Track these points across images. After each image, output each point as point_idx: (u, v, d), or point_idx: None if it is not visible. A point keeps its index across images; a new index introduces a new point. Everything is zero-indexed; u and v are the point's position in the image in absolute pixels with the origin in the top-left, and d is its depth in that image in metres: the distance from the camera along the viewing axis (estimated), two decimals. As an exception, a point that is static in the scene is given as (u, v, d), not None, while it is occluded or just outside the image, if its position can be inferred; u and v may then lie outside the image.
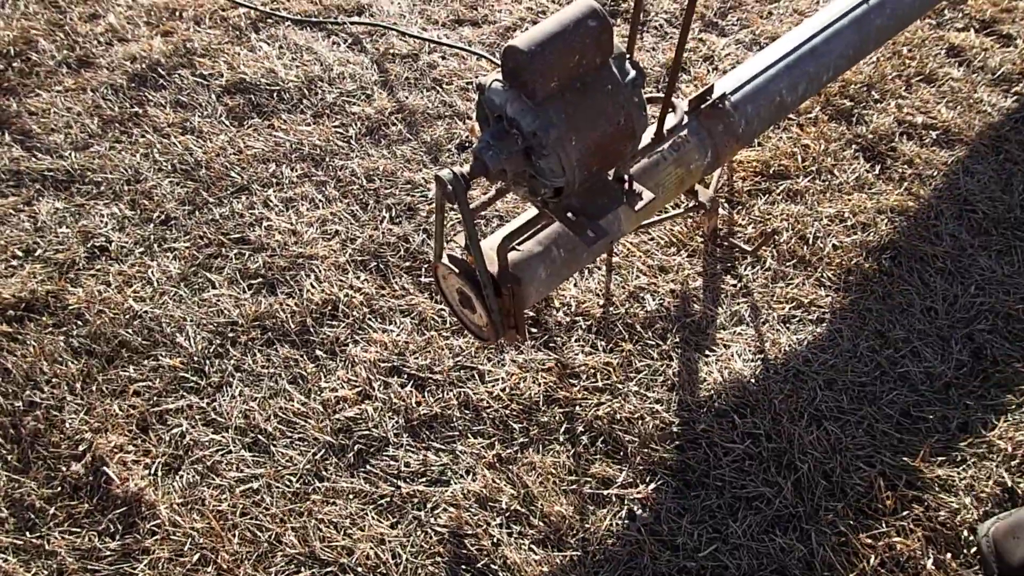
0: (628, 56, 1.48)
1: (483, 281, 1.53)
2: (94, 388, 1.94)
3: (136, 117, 2.46)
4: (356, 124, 2.41)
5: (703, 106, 1.82)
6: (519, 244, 1.64)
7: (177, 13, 2.75)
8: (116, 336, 2.02)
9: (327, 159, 2.34)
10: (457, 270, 1.59)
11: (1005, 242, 2.13)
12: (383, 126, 2.40)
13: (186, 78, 2.54)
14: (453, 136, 2.38)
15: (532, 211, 1.64)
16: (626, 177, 1.57)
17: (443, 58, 2.57)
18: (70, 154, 2.37)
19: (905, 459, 1.81)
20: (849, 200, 2.21)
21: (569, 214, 1.54)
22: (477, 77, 2.52)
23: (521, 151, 1.40)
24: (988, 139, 2.31)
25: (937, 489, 1.78)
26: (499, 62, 2.44)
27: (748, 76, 1.91)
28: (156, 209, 2.25)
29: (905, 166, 2.27)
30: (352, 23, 2.67)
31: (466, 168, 1.41)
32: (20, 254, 2.17)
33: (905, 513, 1.74)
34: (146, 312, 2.06)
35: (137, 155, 2.37)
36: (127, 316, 2.05)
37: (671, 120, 1.64)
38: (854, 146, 2.31)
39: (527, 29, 2.63)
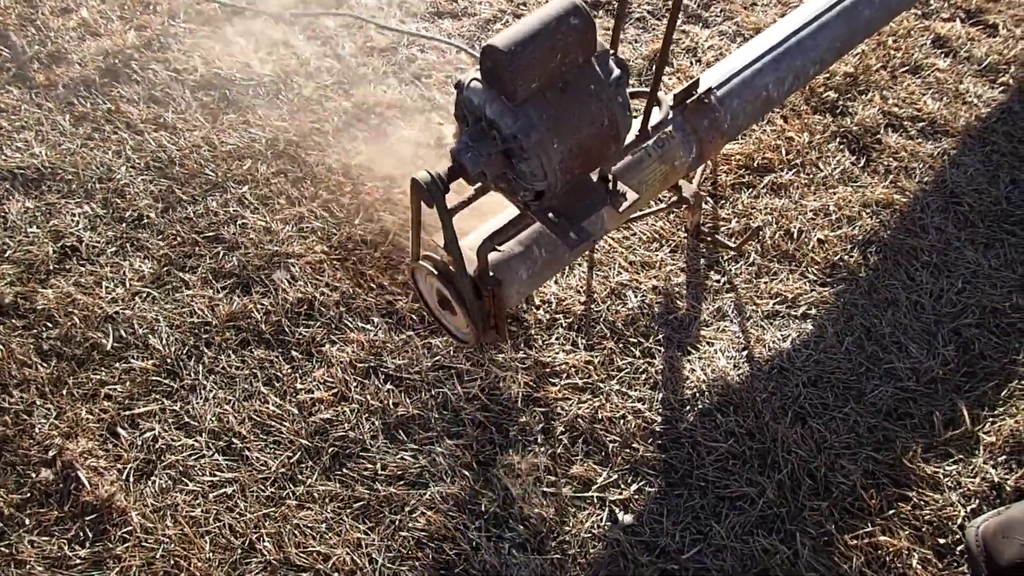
0: (612, 53, 1.43)
1: (462, 285, 1.49)
2: (64, 392, 1.89)
3: (109, 113, 2.41)
4: (333, 119, 2.36)
5: (688, 101, 1.78)
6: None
7: (151, 7, 2.69)
8: (87, 338, 1.97)
9: (304, 154, 2.29)
10: (436, 272, 1.55)
11: (991, 235, 2.10)
12: (360, 121, 2.36)
13: (160, 73, 2.49)
14: (429, 130, 2.34)
15: (513, 211, 1.60)
16: (609, 176, 1.53)
17: (422, 51, 2.52)
18: (41, 152, 2.32)
19: (891, 456, 1.78)
20: (834, 194, 2.18)
21: (551, 215, 1.50)
22: (457, 71, 2.48)
23: (501, 153, 1.36)
24: (975, 131, 2.28)
25: (923, 486, 1.75)
26: (478, 56, 2.39)
27: (734, 70, 1.87)
28: (128, 208, 2.20)
29: (890, 159, 2.24)
30: (328, 15, 2.62)
31: (443, 170, 1.37)
32: (-11, 255, 2.12)
33: (891, 512, 1.72)
34: (118, 313, 2.01)
35: (109, 152, 2.32)
36: (98, 318, 2.00)
37: (656, 116, 1.60)
38: (839, 139, 2.28)
39: (508, 23, 2.60)
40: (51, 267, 2.10)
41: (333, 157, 2.28)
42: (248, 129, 2.35)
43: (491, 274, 1.55)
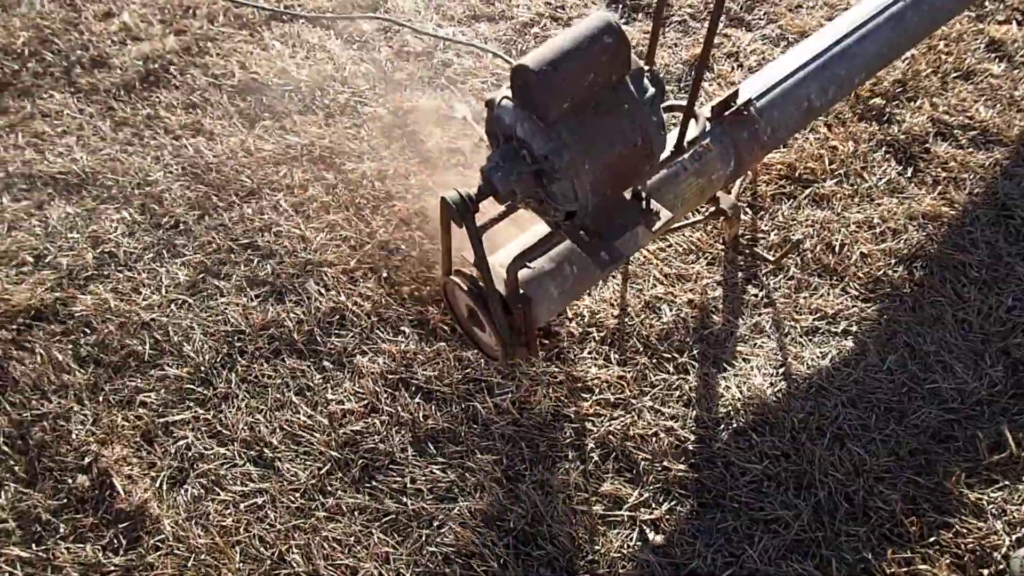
0: (648, 69, 1.39)
1: (492, 303, 1.47)
2: (101, 398, 1.92)
3: (148, 119, 2.43)
4: (368, 125, 2.35)
5: (727, 113, 1.74)
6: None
7: (191, 11, 2.71)
8: (124, 345, 2.00)
9: (339, 161, 2.29)
10: (466, 288, 1.54)
11: (1046, 254, 2.02)
12: (396, 127, 2.35)
13: (198, 78, 2.50)
14: (463, 137, 2.32)
15: (544, 227, 1.58)
16: (643, 194, 1.50)
17: (458, 56, 2.50)
18: (82, 157, 2.35)
19: (933, 481, 1.72)
20: (879, 205, 2.11)
21: (582, 233, 1.47)
22: (493, 76, 2.45)
23: (532, 173, 1.34)
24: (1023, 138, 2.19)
25: (966, 513, 1.69)
26: (513, 61, 2.37)
27: (775, 79, 1.81)
28: (166, 214, 2.23)
29: (939, 169, 2.16)
30: (365, 19, 2.61)
31: (474, 190, 1.35)
32: (30, 260, 2.16)
33: (932, 539, 1.66)
34: (154, 320, 2.04)
35: (148, 158, 2.34)
36: (135, 324, 2.03)
37: (692, 130, 1.56)
38: (885, 148, 2.21)
39: (545, 26, 2.56)
40: (90, 273, 2.13)
41: (367, 164, 2.27)
42: (284, 135, 2.35)
43: (521, 292, 1.53)
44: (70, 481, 1.80)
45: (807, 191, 2.15)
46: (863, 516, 1.70)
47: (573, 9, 2.60)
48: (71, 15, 2.74)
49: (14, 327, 2.04)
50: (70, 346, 2.01)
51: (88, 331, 2.03)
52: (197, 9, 2.71)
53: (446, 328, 1.98)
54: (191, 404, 1.91)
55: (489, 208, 1.41)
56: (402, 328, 2.00)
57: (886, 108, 2.27)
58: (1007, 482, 1.72)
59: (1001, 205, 2.09)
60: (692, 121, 1.54)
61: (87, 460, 1.83)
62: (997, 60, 2.37)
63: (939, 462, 1.74)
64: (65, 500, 1.78)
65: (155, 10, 2.73)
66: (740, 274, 2.04)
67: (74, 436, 1.86)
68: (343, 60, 2.51)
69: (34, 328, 2.04)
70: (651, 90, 1.37)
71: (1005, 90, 2.29)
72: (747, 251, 2.04)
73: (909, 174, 2.16)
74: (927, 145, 2.20)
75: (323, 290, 2.06)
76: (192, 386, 1.94)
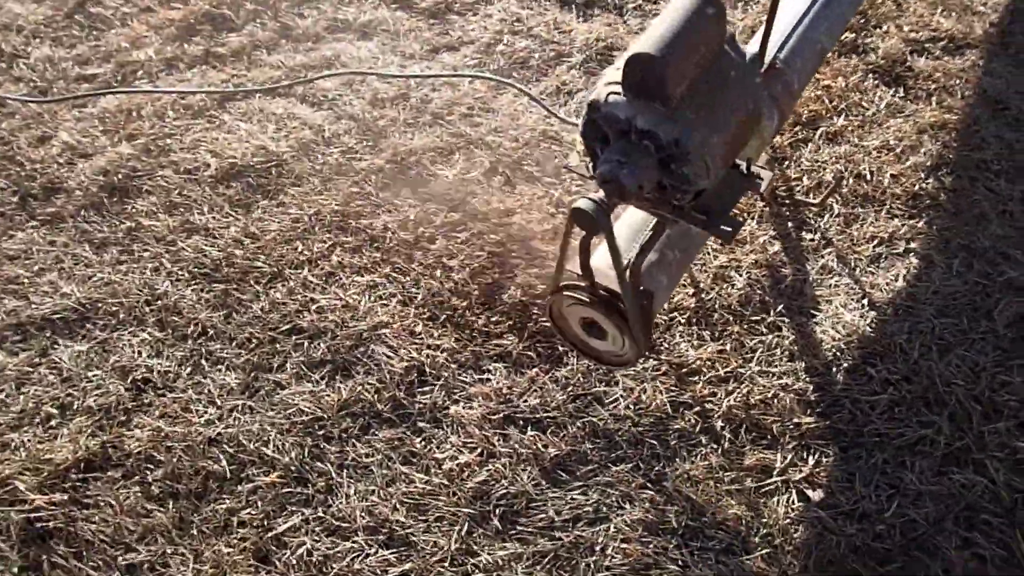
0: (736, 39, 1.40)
1: (630, 304, 1.43)
2: (194, 531, 1.74)
3: (131, 232, 2.25)
4: (370, 179, 2.27)
5: (763, 70, 1.76)
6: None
7: (134, 113, 2.54)
8: (197, 469, 1.82)
9: (353, 222, 2.19)
10: (587, 298, 1.49)
11: (1050, 129, 2.15)
12: (399, 174, 2.27)
13: (171, 178, 2.34)
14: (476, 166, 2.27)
15: (639, 222, 1.55)
16: (744, 161, 1.49)
17: (434, 90, 2.45)
18: (72, 289, 2.15)
19: (1045, 363, 1.79)
20: (888, 128, 2.19)
21: (694, 213, 1.46)
22: (478, 101, 2.41)
23: (656, 163, 1.31)
24: (994, 38, 2.34)
25: (1082, 384, 1.76)
26: (498, 79, 2.36)
27: (788, 26, 1.85)
28: (189, 323, 2.06)
29: (927, 82, 2.27)
30: (324, 77, 2.52)
31: (601, 194, 1.30)
32: (56, 412, 1.95)
33: (1065, 415, 1.72)
34: (220, 435, 1.87)
35: (147, 271, 2.17)
36: (201, 444, 1.86)
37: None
38: (872, 75, 2.30)
39: (509, 42, 2.51)
40: (128, 406, 1.94)
41: (383, 217, 2.18)
42: (286, 211, 2.23)
43: (642, 288, 1.50)
44: (196, 628, 1.62)
45: (819, 132, 2.21)
46: (996, 413, 1.73)
47: (530, 19, 2.60)
48: (2, 148, 2.52)
49: (67, 486, 1.83)
50: (138, 488, 1.81)
51: (152, 466, 1.84)
52: (140, 110, 2.55)
53: (531, 354, 1.91)
54: (295, 507, 1.76)
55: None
56: (486, 367, 1.91)
57: (858, 41, 2.38)
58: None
59: (994, 101, 2.22)
60: None
61: (207, 600, 1.65)
62: (936, -26, 2.52)
63: (1041, 342, 1.81)
64: (198, 650, 1.60)
65: (93, 122, 2.55)
66: (790, 224, 2.07)
67: (182, 579, 1.68)
68: (319, 122, 2.41)
69: (90, 481, 1.83)
70: (749, 52, 1.38)
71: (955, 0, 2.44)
72: (788, 201, 2.08)
73: (902, 93, 2.26)
74: (908, 64, 2.31)
75: (390, 352, 1.95)
76: (289, 489, 1.79)
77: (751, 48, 1.54)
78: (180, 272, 2.16)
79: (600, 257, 1.52)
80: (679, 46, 1.25)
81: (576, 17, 2.57)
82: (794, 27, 1.84)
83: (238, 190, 2.30)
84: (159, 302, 2.11)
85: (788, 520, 1.66)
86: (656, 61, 1.23)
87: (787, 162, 2.17)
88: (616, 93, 1.32)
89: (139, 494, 1.81)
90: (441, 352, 1.94)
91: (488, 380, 1.89)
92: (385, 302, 2.04)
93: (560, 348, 1.92)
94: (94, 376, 2.00)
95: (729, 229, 1.44)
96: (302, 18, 2.71)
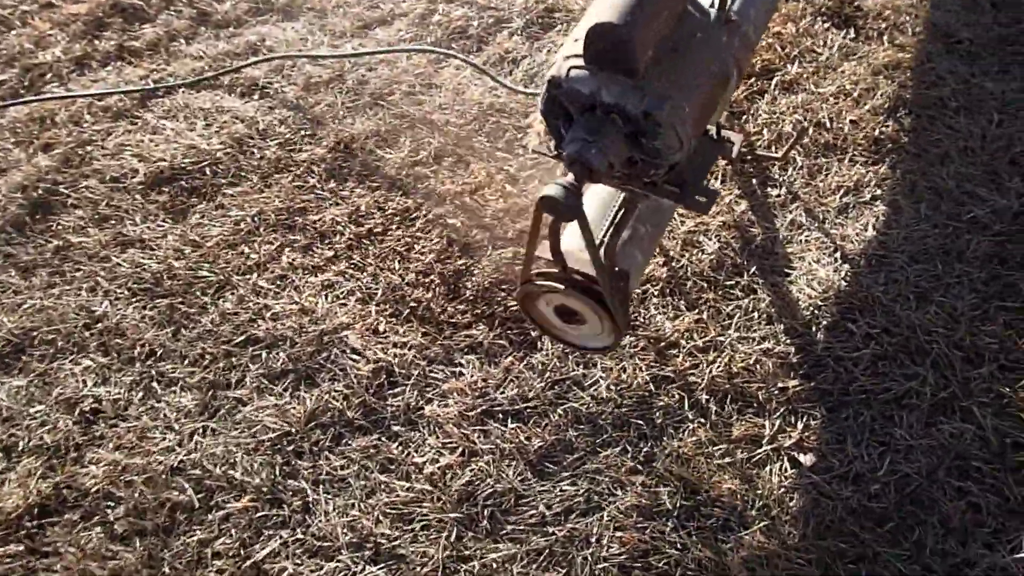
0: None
1: (608, 289, 1.35)
2: (166, 569, 1.64)
3: (60, 251, 2.09)
4: (313, 171, 2.13)
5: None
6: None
7: (48, 120, 2.35)
8: (162, 501, 1.71)
9: (299, 219, 2.06)
10: (562, 287, 1.40)
11: (1001, 61, 2.12)
12: (343, 163, 2.14)
13: (97, 188, 2.17)
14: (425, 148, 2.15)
15: (607, 196, 1.46)
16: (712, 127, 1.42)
17: (371, 69, 2.31)
18: (2, 321, 1.99)
19: (1019, 301, 1.77)
20: (843, 72, 2.14)
21: (667, 186, 1.38)
22: (418, 78, 2.28)
23: (625, 138, 1.22)
24: (938, -32, 2.29)
25: (1059, 316, 1.75)
26: (439, 51, 2.23)
27: None
28: (134, 345, 1.92)
29: (877, 21, 2.21)
30: (251, 65, 2.36)
31: (568, 177, 1.21)
32: (0, 455, 1.81)
33: (1044, 352, 1.71)
34: (182, 462, 1.76)
35: (82, 292, 2.01)
36: (163, 475, 1.74)
37: None
38: (821, 19, 2.24)
39: (446, 11, 2.37)
40: (79, 441, 1.81)
41: (331, 211, 2.06)
42: (226, 213, 2.09)
43: (616, 268, 1.42)
44: (180, 672, 1.53)
45: (773, 82, 2.14)
46: (978, 357, 1.72)
47: (463, -13, 2.46)
48: (-97, 172, 2.31)
49: (22, 535, 1.70)
50: (99, 529, 1.70)
51: (113, 504, 1.72)
52: (54, 117, 2.35)
53: (502, 342, 1.83)
54: (272, 531, 1.67)
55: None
56: (457, 360, 1.83)
57: (804, -17, 2.31)
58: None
59: (944, 35, 2.17)
60: None
61: (189, 641, 1.56)
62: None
63: (1016, 284, 1.79)
64: None
65: (4, 135, 2.35)
66: (754, 180, 2.01)
67: (159, 622, 1.58)
68: (251, 114, 2.26)
69: (46, 527, 1.71)
70: (712, 10, 1.29)
71: (893, -69, 2.38)
72: (750, 157, 2.01)
73: (853, 35, 2.20)
74: (856, 3, 2.25)
75: (354, 355, 1.85)
76: (263, 512, 1.69)
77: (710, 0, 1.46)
78: (119, 290, 2.01)
79: (570, 240, 1.43)
80: (643, 11, 1.17)
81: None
82: (745, -25, 1.76)
83: (171, 195, 2.14)
84: (99, 325, 1.96)
85: (783, 489, 1.62)
86: (620, 30, 1.14)
87: (745, 116, 2.10)
88: (577, 67, 1.23)
89: (102, 535, 1.69)
90: (409, 349, 1.85)
91: (461, 374, 1.81)
92: (343, 301, 1.93)
93: (533, 333, 1.84)
94: (37, 412, 1.86)
95: (705, 200, 1.38)
96: (220, 2, 2.52)
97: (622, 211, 1.41)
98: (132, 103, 2.35)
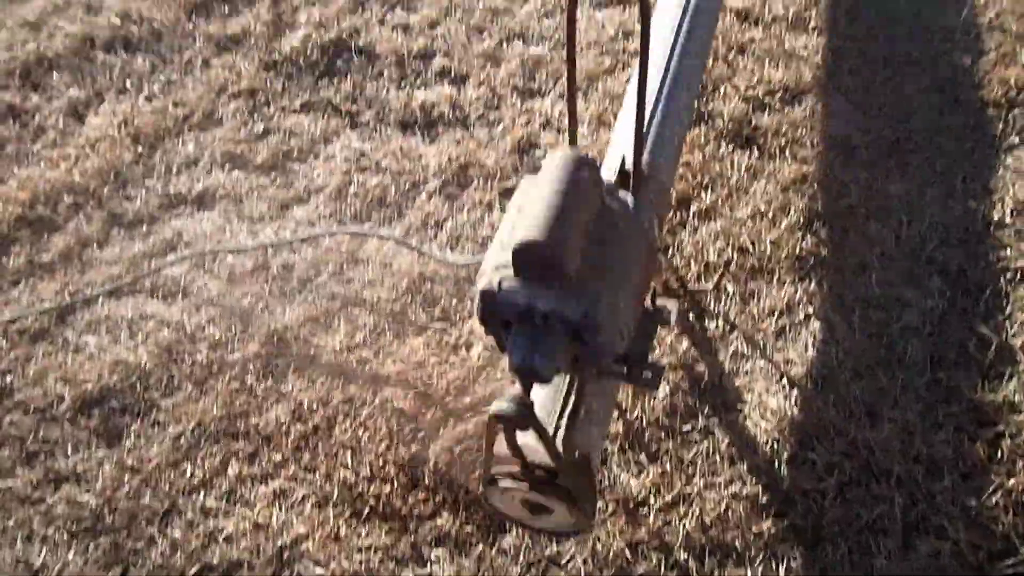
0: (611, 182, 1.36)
1: (572, 483, 1.32)
2: None
3: (-12, 499, 1.96)
4: (249, 370, 2.07)
5: (631, 181, 1.72)
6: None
7: (-39, 355, 2.24)
8: None
9: (241, 425, 1.99)
10: (526, 482, 1.37)
11: (897, 163, 2.22)
12: (278, 357, 2.09)
13: (22, 422, 2.06)
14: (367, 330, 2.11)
15: (553, 383, 1.46)
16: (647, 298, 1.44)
17: (294, 252, 2.28)
18: (-71, 590, 1.84)
19: (961, 401, 1.81)
20: (755, 193, 2.21)
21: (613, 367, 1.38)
22: (343, 254, 2.26)
23: (567, 340, 1.23)
24: (822, 79, 2.41)
25: (1007, 411, 1.79)
26: (356, 231, 2.21)
27: (645, 122, 1.80)
28: (80, 592, 1.80)
29: (777, 138, 2.30)
30: (170, 265, 2.30)
31: (516, 387, 1.20)
32: None
33: (1005, 439, 1.74)
34: None
35: (16, 543, 1.88)
36: None
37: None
38: (724, 142, 2.32)
39: (361, 181, 2.36)
40: None
41: (273, 411, 2.00)
42: (163, 430, 2.00)
43: (576, 454, 1.40)
44: None
45: (692, 212, 2.20)
46: (938, 470, 1.74)
47: (375, 152, 2.47)
48: None
49: None
50: None
51: None
52: (-33, 348, 2.24)
53: (468, 529, 1.78)
54: None
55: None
56: (427, 557, 1.76)
57: (702, 109, 2.39)
58: (1010, 369, 1.85)
59: (842, 142, 2.28)
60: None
61: None
62: (754, 26, 2.58)
63: (957, 385, 1.84)
64: None
65: (-88, 374, 2.22)
66: (691, 315, 2.03)
67: None
68: (177, 317, 2.19)
69: None
70: (628, 198, 1.32)
71: (776, 48, 2.50)
72: (683, 292, 2.04)
73: (757, 154, 2.29)
74: (753, 123, 2.35)
75: (319, 568, 1.76)
76: None
77: (618, 172, 1.50)
78: (56, 535, 1.89)
79: (527, 434, 1.41)
80: (565, 222, 1.19)
81: (422, 140, 2.47)
82: (650, 121, 1.80)
83: (102, 418, 2.05)
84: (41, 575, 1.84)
85: (776, 641, 1.59)
86: (546, 246, 1.16)
87: (670, 249, 2.14)
88: (508, 278, 1.24)
89: None
90: (374, 552, 1.77)
91: (434, 572, 1.74)
92: (298, 509, 1.85)
93: (499, 514, 1.80)
94: None
95: (652, 376, 1.39)
96: (130, 200, 2.48)
97: (574, 397, 1.40)
98: (50, 321, 2.26)
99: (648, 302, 1.51)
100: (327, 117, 2.57)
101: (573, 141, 1.55)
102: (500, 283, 1.24)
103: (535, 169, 1.51)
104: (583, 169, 1.24)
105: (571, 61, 1.38)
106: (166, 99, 2.71)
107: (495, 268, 1.27)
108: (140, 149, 2.59)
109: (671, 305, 1.49)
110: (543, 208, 1.20)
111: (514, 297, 1.23)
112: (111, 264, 2.35)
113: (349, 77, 2.66)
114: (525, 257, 1.19)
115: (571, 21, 1.30)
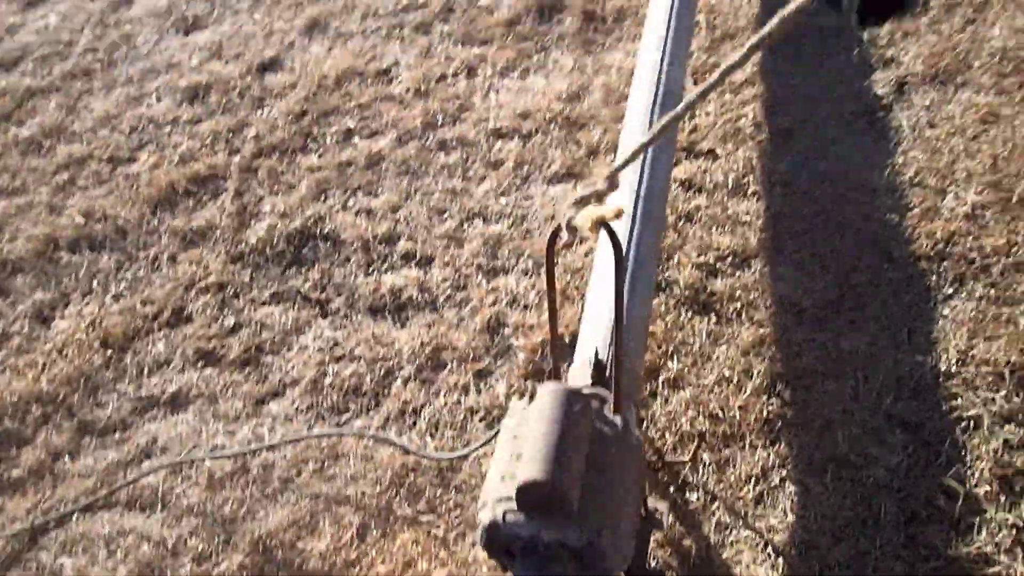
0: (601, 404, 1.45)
1: None
2: None
3: None
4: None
5: (606, 375, 1.79)
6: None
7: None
8: None
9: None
10: None
11: (844, 319, 2.36)
12: (265, 566, 2.06)
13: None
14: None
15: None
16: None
17: (273, 450, 2.29)
18: None
19: (942, 555, 1.87)
20: (718, 359, 2.31)
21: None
22: (321, 450, 2.27)
23: (572, 566, 1.28)
24: (767, 242, 2.57)
25: (982, 564, 1.86)
26: (333, 431, 2.26)
27: (601, 310, 1.88)
28: None
29: (732, 302, 2.44)
30: (146, 475, 2.28)
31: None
32: None
33: None
34: None
35: None
36: None
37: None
38: (684, 309, 2.44)
39: (341, 364, 2.38)
40: None
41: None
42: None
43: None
44: None
45: (660, 380, 2.29)
46: (927, 631, 1.79)
47: (347, 340, 2.52)
48: None
49: None
50: None
51: None
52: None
53: None
54: None
55: None
56: None
57: (658, 278, 2.52)
58: (988, 512, 1.93)
59: (791, 305, 2.41)
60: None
61: None
62: (697, 194, 2.76)
63: (932, 542, 1.91)
64: None
65: None
66: (672, 488, 2.08)
67: None
68: (156, 530, 2.15)
69: None
70: (617, 419, 1.41)
71: (721, 214, 2.68)
72: (661, 465, 2.10)
73: (716, 319, 2.41)
74: (708, 288, 2.48)
75: None
76: None
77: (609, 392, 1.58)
78: None
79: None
80: (564, 458, 1.28)
81: (393, 325, 2.55)
82: (616, 306, 1.88)
83: (82, 651, 1.98)
84: None
85: None
86: (549, 484, 1.26)
87: (644, 423, 2.21)
88: (511, 511, 1.32)
89: None
90: None
91: None
92: None
93: None
94: None
95: (652, 582, 1.44)
96: (101, 407, 2.47)
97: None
98: (22, 545, 2.19)
99: (644, 508, 1.58)
100: (297, 307, 2.63)
101: (556, 375, 1.64)
102: (504, 516, 1.31)
103: (526, 394, 1.58)
104: (575, 403, 1.33)
105: (551, 287, 1.48)
106: (133, 298, 2.75)
107: (497, 500, 1.33)
108: (109, 352, 2.60)
109: (661, 506, 1.55)
110: (542, 446, 1.28)
111: (519, 530, 1.30)
112: (84, 477, 2.32)
113: (316, 265, 2.75)
114: (528, 495, 1.27)
115: (549, 259, 1.41)
